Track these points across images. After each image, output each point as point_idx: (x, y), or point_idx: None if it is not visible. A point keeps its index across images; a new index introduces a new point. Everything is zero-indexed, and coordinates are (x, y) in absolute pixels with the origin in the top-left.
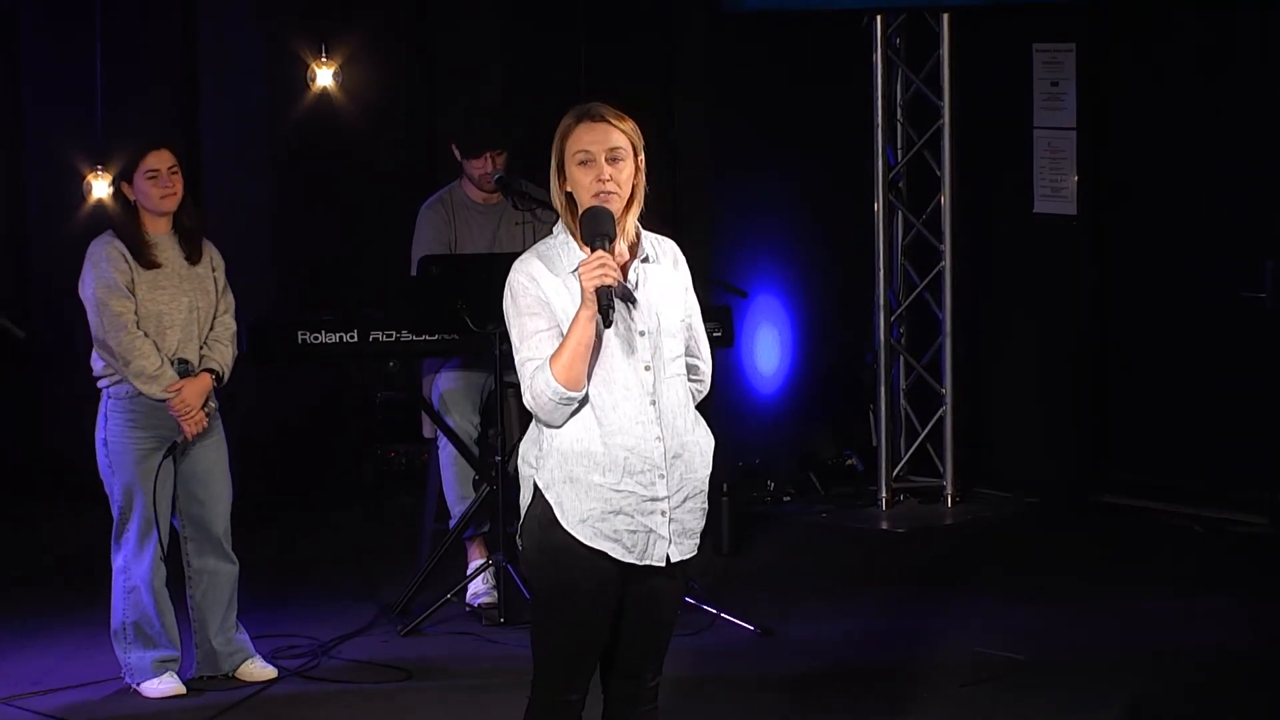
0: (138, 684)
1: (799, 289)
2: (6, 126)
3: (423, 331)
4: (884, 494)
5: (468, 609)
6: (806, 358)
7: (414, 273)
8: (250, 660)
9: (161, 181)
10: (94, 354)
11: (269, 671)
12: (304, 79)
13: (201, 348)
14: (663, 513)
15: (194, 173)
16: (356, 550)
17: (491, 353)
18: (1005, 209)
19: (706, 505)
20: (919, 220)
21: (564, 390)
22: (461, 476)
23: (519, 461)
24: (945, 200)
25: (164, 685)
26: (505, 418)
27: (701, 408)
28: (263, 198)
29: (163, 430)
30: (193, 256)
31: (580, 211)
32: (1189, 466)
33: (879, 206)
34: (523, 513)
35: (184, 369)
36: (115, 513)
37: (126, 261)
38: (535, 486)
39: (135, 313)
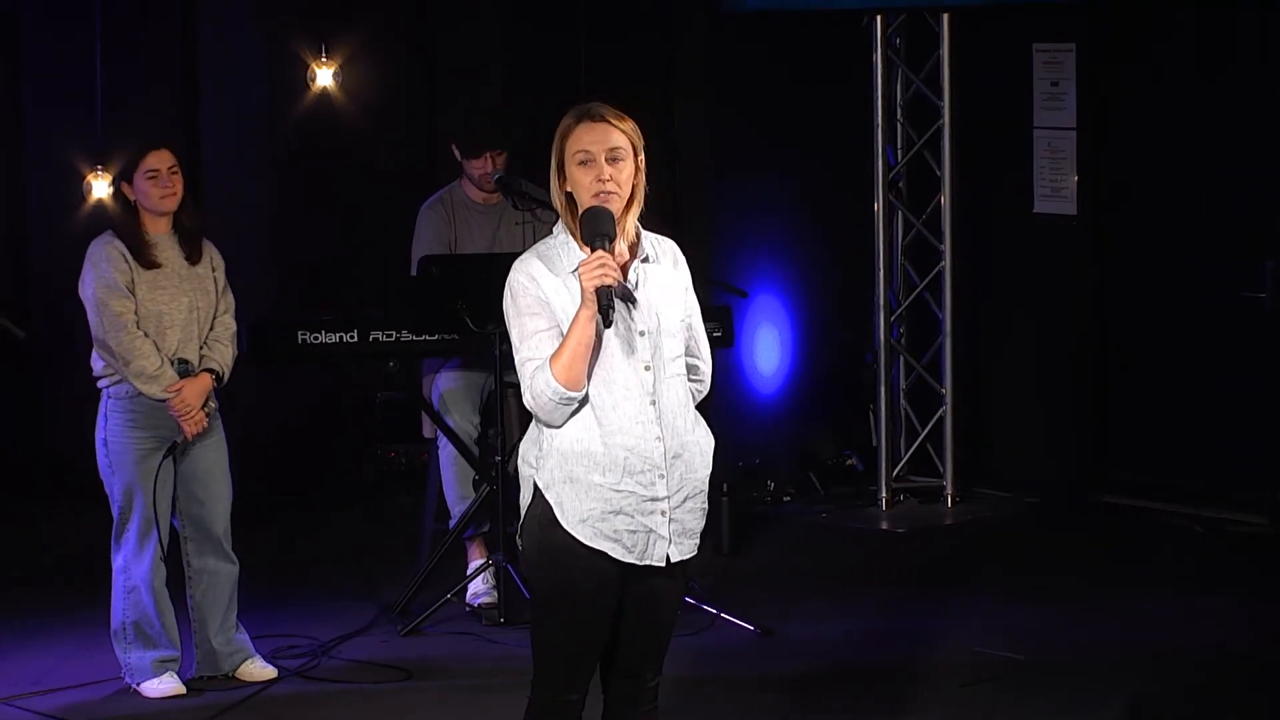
0: (138, 684)
1: (799, 289)
2: (6, 126)
3: (423, 331)
4: (884, 494)
5: (468, 609)
6: (806, 358)
7: (414, 273)
8: (250, 660)
9: (161, 182)
10: (94, 354)
11: (269, 671)
12: (304, 79)
13: (201, 348)
14: (663, 513)
15: (194, 173)
16: (356, 550)
17: (491, 353)
18: (1005, 209)
19: (706, 505)
20: (919, 220)
21: (564, 390)
22: (461, 476)
23: (519, 461)
24: (945, 200)
25: (164, 685)
26: (505, 418)
27: (701, 408)
28: (263, 198)
29: (163, 430)
30: (193, 256)
31: (580, 211)
32: (1189, 466)
33: (879, 206)
34: (523, 513)
35: (184, 369)
36: (115, 513)
37: (126, 261)
38: (535, 486)
39: (135, 313)
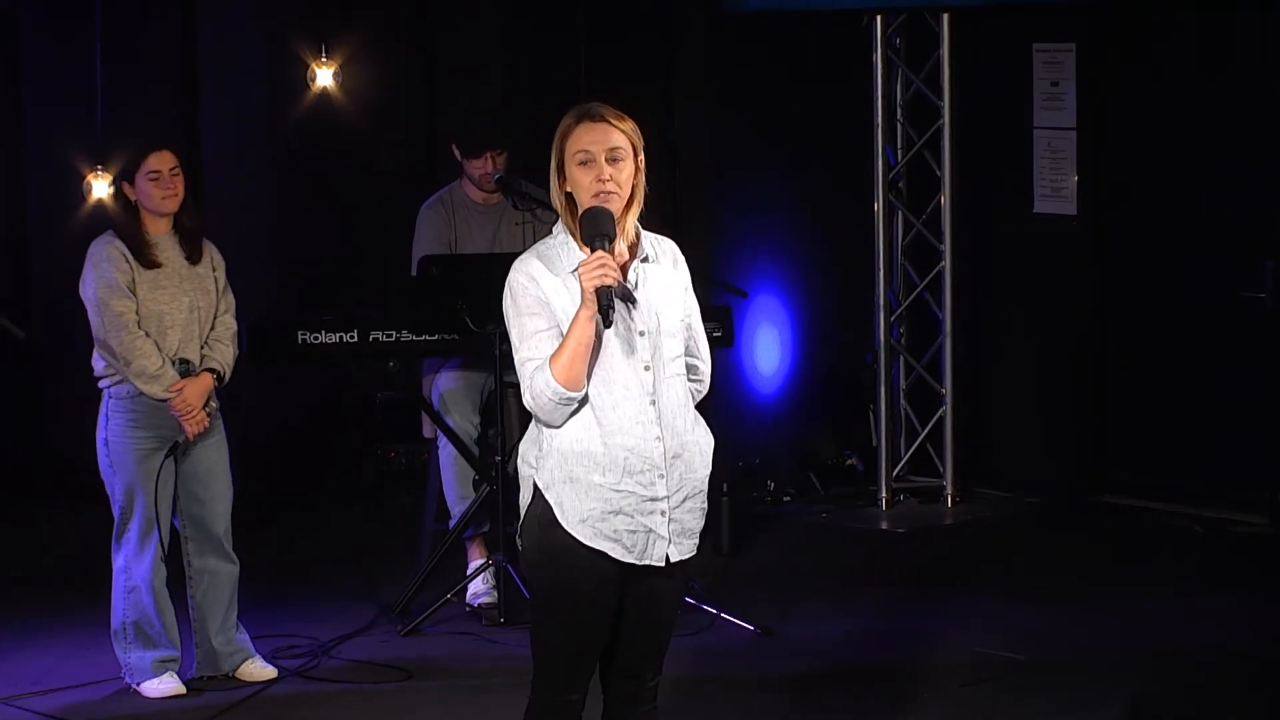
0: (138, 684)
1: (799, 289)
2: (6, 126)
3: (423, 331)
4: (884, 494)
5: (468, 609)
6: (806, 358)
7: (415, 273)
8: (250, 660)
9: (163, 183)
10: (95, 354)
11: (269, 671)
12: (304, 79)
13: (203, 347)
14: (662, 513)
15: (194, 173)
16: (356, 550)
17: (491, 353)
18: (1005, 209)
19: (706, 505)
20: (919, 220)
21: (564, 390)
22: (461, 476)
23: (518, 461)
24: (945, 200)
25: (164, 685)
26: (505, 418)
27: (701, 408)
28: (263, 198)
29: (164, 430)
30: (193, 256)
31: (580, 211)
32: (1189, 466)
33: (879, 206)
34: (522, 513)
35: (185, 369)
36: (116, 513)
37: (127, 261)
38: (535, 486)
39: (136, 313)
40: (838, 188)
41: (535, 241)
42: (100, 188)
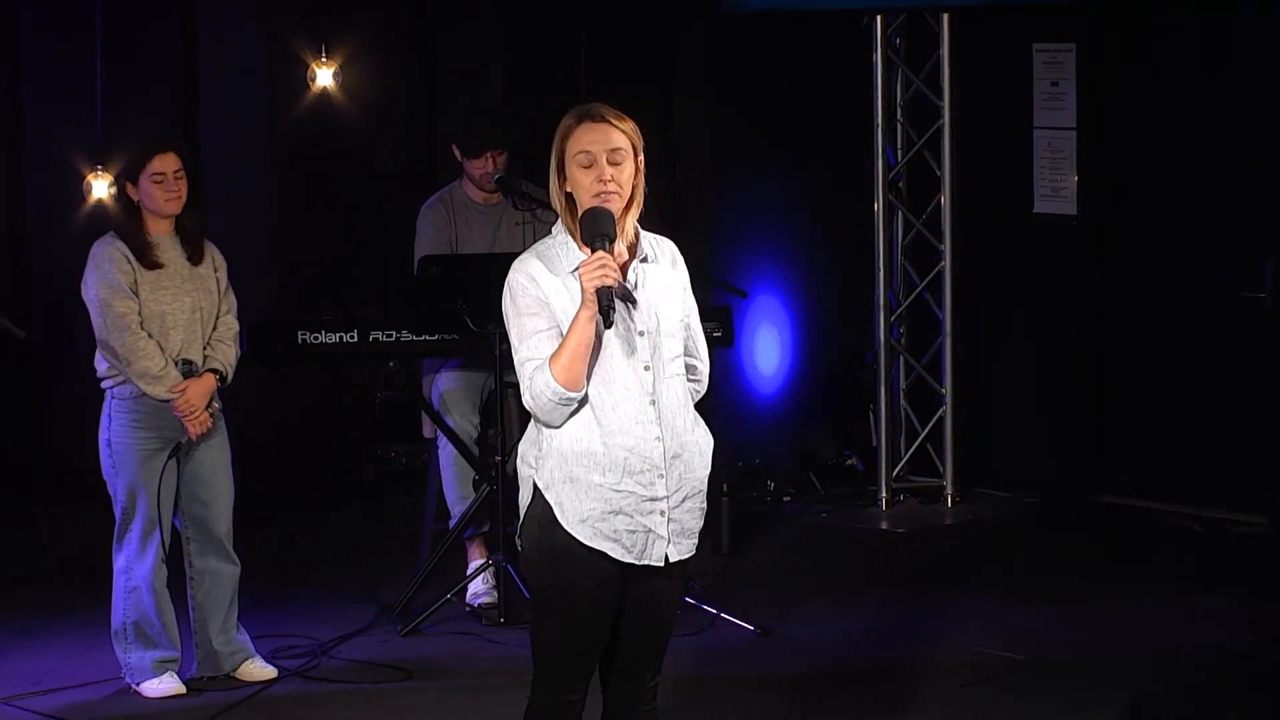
0: (137, 684)
1: (799, 289)
2: (6, 126)
3: (423, 331)
4: (884, 494)
5: (468, 609)
6: (806, 358)
7: (416, 273)
8: (250, 660)
9: (167, 185)
10: (97, 355)
11: (269, 671)
12: (304, 79)
13: (205, 348)
14: (662, 512)
15: (194, 173)
16: (356, 550)
17: (491, 353)
18: (1005, 209)
19: (705, 505)
20: (919, 220)
21: (563, 390)
22: (461, 476)
23: (518, 462)
24: (945, 200)
25: (164, 685)
26: (505, 418)
27: (701, 408)
28: (263, 198)
29: (167, 431)
30: (195, 257)
31: (580, 212)
32: (1189, 466)
33: (879, 206)
34: (522, 513)
35: (188, 369)
36: (118, 513)
37: (129, 262)
38: (535, 486)
39: (139, 314)
40: (838, 188)
41: (535, 241)
42: (100, 188)
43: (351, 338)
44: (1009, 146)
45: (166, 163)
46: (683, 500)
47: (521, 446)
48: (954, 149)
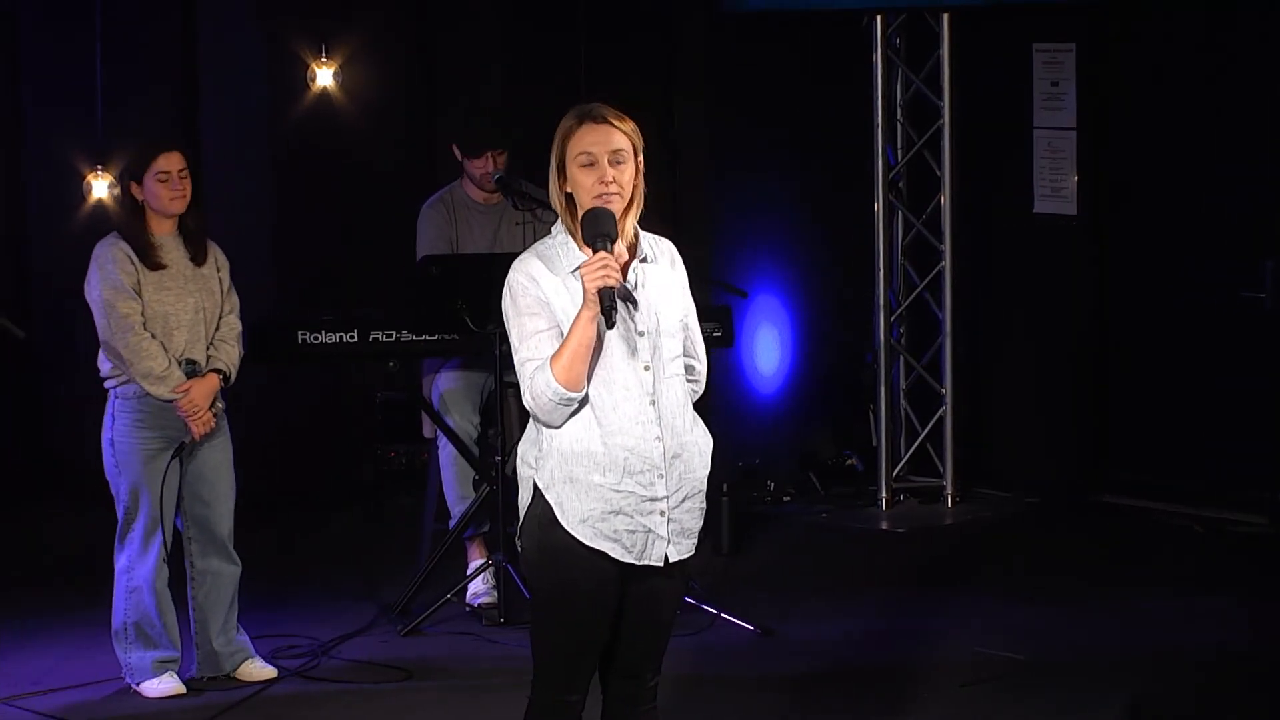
0: (138, 684)
1: (799, 289)
2: (6, 126)
3: (423, 331)
4: (884, 494)
5: (468, 609)
6: (806, 358)
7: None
8: (250, 660)
9: (172, 184)
10: (101, 354)
11: (269, 671)
12: (304, 79)
13: (208, 348)
14: (661, 513)
15: (194, 173)
16: (356, 550)
17: (491, 353)
18: (1005, 209)
19: (705, 505)
20: (919, 220)
21: (564, 391)
22: (461, 476)
23: (517, 462)
24: (945, 200)
25: (164, 685)
26: (505, 418)
27: (701, 408)
28: (263, 198)
29: (170, 430)
30: (197, 258)
31: (580, 212)
32: (1189, 466)
33: (879, 206)
34: (521, 513)
35: (191, 369)
36: (120, 512)
37: (132, 263)
38: (535, 487)
39: (142, 314)
40: (838, 188)
41: (535, 241)
42: (100, 188)
43: (351, 338)
44: (1009, 146)
45: (171, 161)
46: (682, 500)
47: (521, 447)
48: (954, 149)
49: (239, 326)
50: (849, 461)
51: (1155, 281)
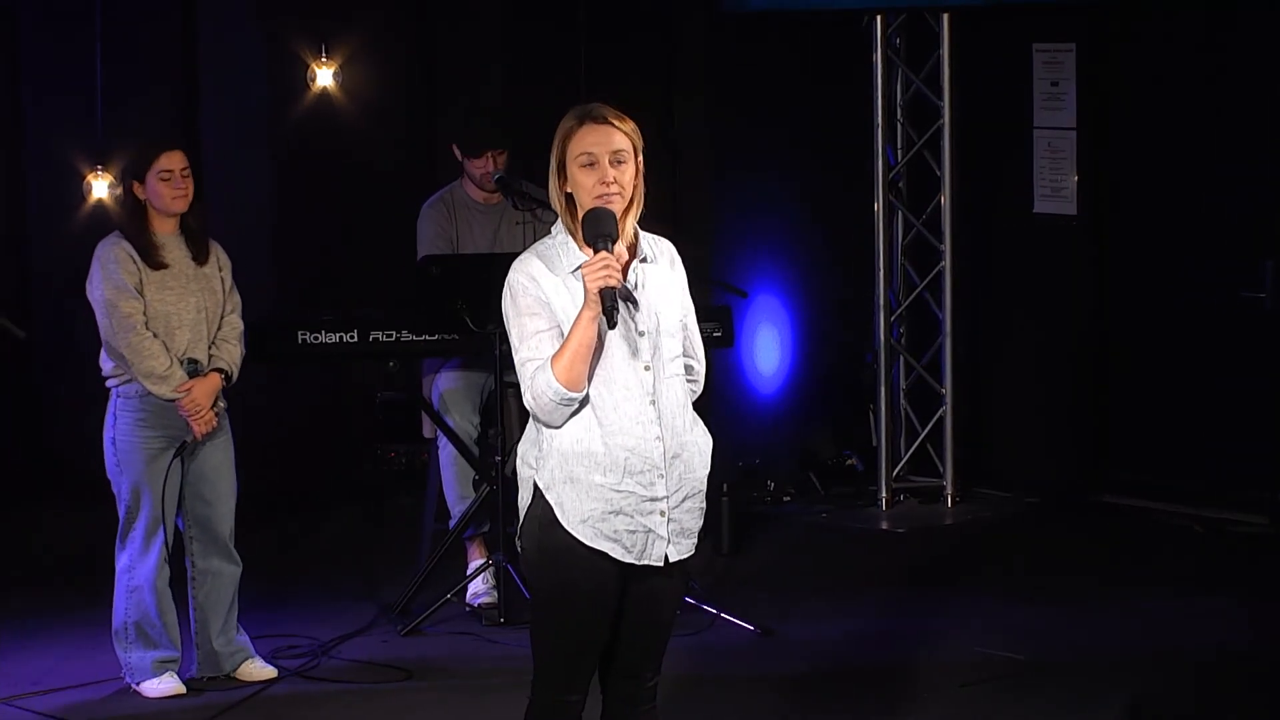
0: (138, 684)
1: (799, 289)
2: (6, 126)
3: (423, 331)
4: (884, 494)
5: (468, 609)
6: (806, 358)
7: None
8: (250, 660)
9: (175, 183)
10: (103, 353)
11: (269, 671)
12: (304, 79)
13: (210, 347)
14: (661, 513)
15: (194, 173)
16: (356, 550)
17: (491, 353)
18: (1005, 209)
19: (704, 505)
20: (919, 220)
21: (565, 391)
22: (461, 476)
23: (518, 462)
24: (945, 200)
25: (164, 685)
26: (505, 418)
27: (701, 408)
28: (263, 198)
29: (172, 430)
30: (199, 257)
31: (581, 212)
32: (1189, 466)
33: (879, 206)
34: (521, 513)
35: (193, 369)
36: (121, 512)
37: (134, 262)
38: (535, 487)
39: (144, 313)
40: (838, 188)
41: (535, 241)
42: (100, 188)
43: (351, 338)
44: (1009, 146)
45: (174, 160)
46: (682, 500)
47: (521, 447)
48: (954, 149)
49: (241, 326)
50: (849, 461)
51: (1155, 281)
